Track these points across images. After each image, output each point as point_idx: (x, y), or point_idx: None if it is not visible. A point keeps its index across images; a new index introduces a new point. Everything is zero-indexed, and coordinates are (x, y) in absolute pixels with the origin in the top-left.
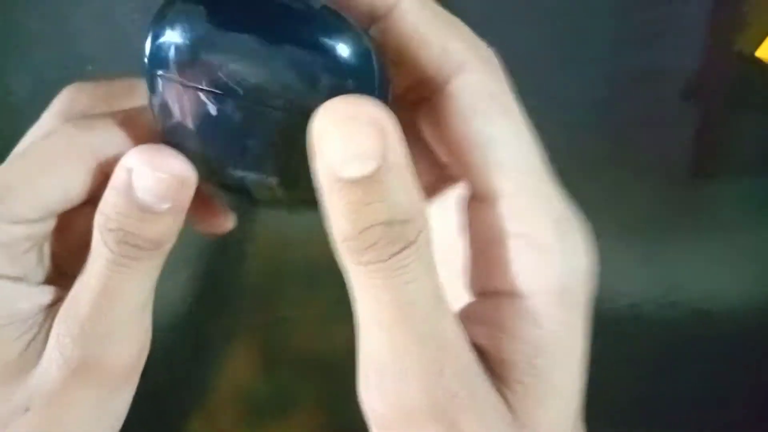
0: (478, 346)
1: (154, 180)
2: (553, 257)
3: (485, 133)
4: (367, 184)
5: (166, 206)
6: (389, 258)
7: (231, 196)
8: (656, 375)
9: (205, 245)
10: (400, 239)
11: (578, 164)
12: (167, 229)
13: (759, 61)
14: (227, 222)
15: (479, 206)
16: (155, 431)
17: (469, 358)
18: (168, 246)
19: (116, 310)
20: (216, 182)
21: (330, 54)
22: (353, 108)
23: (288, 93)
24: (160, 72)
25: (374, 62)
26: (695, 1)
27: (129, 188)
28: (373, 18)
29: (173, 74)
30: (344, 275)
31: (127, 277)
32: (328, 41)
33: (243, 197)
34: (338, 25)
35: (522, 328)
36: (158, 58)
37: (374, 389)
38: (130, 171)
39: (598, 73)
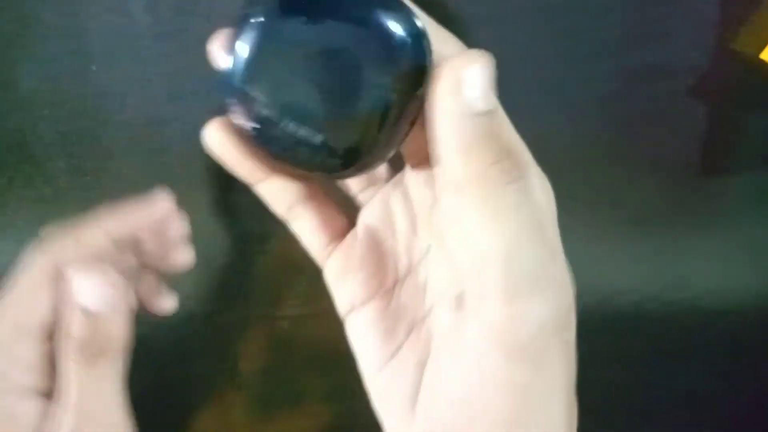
0: None
1: (92, 288)
2: None
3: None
4: (499, 114)
5: (106, 309)
6: (526, 175)
7: (278, 161)
8: (659, 373)
9: (220, 241)
10: (526, 163)
11: (584, 160)
12: (117, 329)
13: (765, 63)
14: (168, 303)
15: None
16: (166, 425)
17: None
18: (123, 345)
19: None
20: (270, 140)
21: (390, 32)
22: (475, 56)
23: (352, 64)
24: (251, 20)
25: (425, 38)
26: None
27: (74, 299)
28: None
29: (259, 21)
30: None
31: (95, 381)
32: (390, 22)
33: (288, 159)
34: (406, 18)
35: None
36: (257, 10)
37: (525, 303)
38: (73, 284)
39: (605, 69)
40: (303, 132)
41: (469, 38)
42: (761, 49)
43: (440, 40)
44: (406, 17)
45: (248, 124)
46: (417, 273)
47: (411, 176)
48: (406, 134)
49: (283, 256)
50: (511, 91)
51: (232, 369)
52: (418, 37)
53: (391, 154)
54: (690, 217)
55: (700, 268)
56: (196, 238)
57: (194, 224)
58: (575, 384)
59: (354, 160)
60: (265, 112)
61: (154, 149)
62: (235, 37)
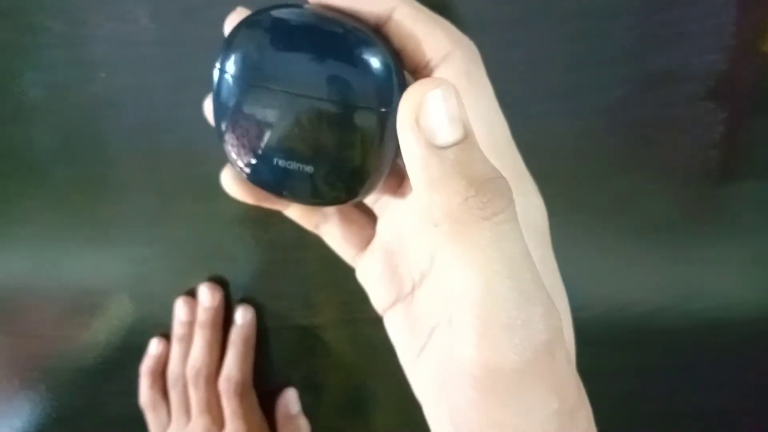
0: None
1: None
2: (516, 198)
3: None
4: (469, 143)
5: None
6: (506, 208)
7: (278, 195)
8: (669, 385)
9: (256, 249)
10: (507, 191)
11: (598, 166)
12: None
13: None
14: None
15: None
16: None
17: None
18: None
19: None
20: (262, 176)
21: (362, 65)
22: (432, 85)
23: (326, 94)
24: (226, 73)
25: (393, 70)
26: (720, 1)
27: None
28: (378, 25)
29: (237, 75)
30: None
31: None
32: (361, 56)
33: (284, 192)
34: (367, 42)
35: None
36: (227, 64)
37: (498, 339)
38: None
39: (618, 73)
40: (293, 165)
41: (480, 43)
42: None
43: (431, 33)
44: (377, 53)
45: (241, 166)
46: (429, 279)
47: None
48: (393, 159)
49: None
50: (522, 96)
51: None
52: (388, 69)
53: (380, 180)
54: (704, 226)
55: (713, 279)
56: (207, 246)
57: (203, 232)
58: (573, 406)
59: (342, 187)
60: (252, 153)
61: (156, 157)
62: (216, 86)
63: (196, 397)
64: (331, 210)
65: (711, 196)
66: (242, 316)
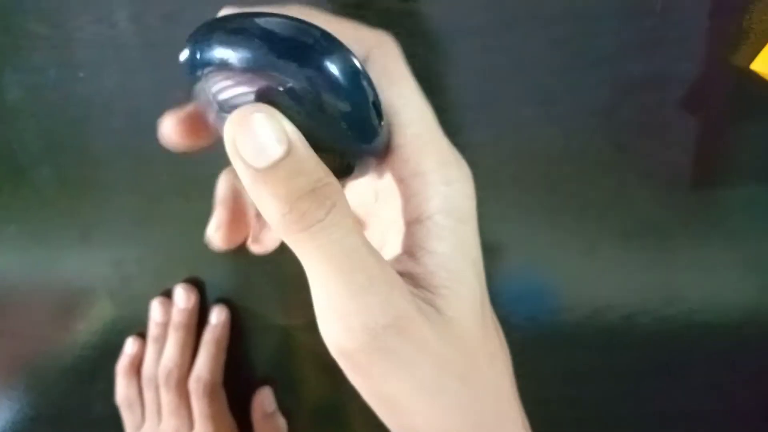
0: (409, 273)
1: None
2: (439, 187)
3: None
4: (285, 163)
5: None
6: (325, 217)
7: None
8: (651, 388)
9: (235, 250)
10: (326, 200)
11: (577, 171)
12: None
13: (756, 74)
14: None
15: (388, 159)
16: None
17: (404, 284)
18: None
19: None
20: None
21: (327, 70)
22: (246, 114)
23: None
24: (198, 72)
25: (360, 72)
26: (693, 10)
27: None
28: None
29: (210, 72)
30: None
31: None
32: (327, 62)
33: None
34: (333, 48)
35: (432, 243)
36: (197, 62)
37: (339, 326)
38: None
39: (596, 80)
40: None
41: (462, 48)
42: (752, 59)
43: (352, 34)
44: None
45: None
46: None
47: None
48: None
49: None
50: (504, 100)
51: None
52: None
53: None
54: (682, 230)
55: (692, 281)
56: (191, 248)
57: (184, 234)
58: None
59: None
60: None
61: (140, 158)
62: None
63: (166, 398)
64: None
65: (690, 201)
66: (216, 316)
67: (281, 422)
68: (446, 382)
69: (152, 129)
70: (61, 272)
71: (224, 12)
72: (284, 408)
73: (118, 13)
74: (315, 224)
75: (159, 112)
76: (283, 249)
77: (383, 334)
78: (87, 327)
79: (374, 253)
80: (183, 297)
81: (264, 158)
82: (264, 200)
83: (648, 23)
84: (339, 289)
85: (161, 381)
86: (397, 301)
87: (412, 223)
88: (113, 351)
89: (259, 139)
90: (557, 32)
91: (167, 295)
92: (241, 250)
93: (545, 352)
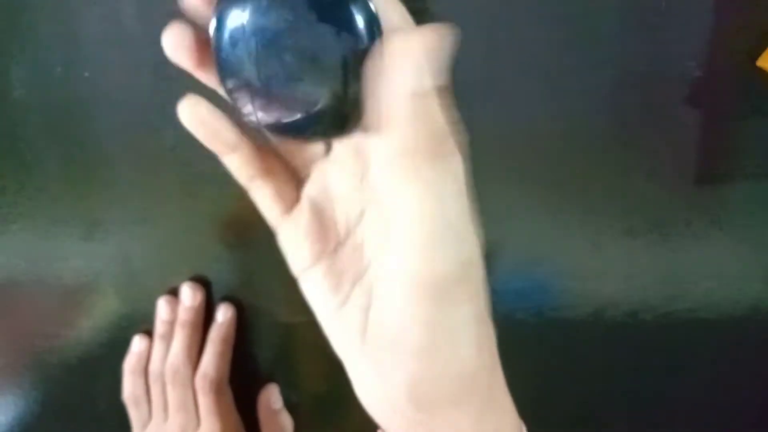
0: None
1: None
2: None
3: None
4: (442, 91)
5: None
6: (455, 149)
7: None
8: (655, 384)
9: (241, 247)
10: (451, 143)
11: (582, 168)
12: None
13: (761, 70)
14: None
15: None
16: None
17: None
18: None
19: None
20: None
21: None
22: (431, 31)
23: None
24: (227, 17)
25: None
26: (698, 7)
27: None
28: None
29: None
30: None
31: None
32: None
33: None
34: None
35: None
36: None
37: (440, 252)
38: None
39: (599, 77)
40: (291, 99)
41: (466, 46)
42: (756, 56)
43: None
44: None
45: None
46: (355, 234)
47: (342, 150)
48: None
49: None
50: (504, 99)
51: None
52: (371, 18)
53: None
54: (685, 226)
55: (695, 278)
56: (197, 245)
57: (189, 231)
58: (487, 329)
59: (337, 120)
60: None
61: (146, 155)
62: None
63: (173, 396)
64: (267, 166)
65: (694, 197)
66: (222, 313)
67: (287, 419)
68: None
69: (158, 126)
70: (66, 268)
71: None
72: (290, 405)
73: (124, 11)
74: (445, 156)
75: (166, 109)
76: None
77: (468, 265)
78: (92, 323)
79: None
80: (189, 295)
81: (437, 79)
82: (423, 118)
83: (653, 21)
84: (452, 215)
85: (168, 378)
86: (476, 241)
87: None
88: (119, 347)
89: (434, 61)
90: (562, 30)
91: (174, 293)
92: (247, 248)
93: (549, 349)
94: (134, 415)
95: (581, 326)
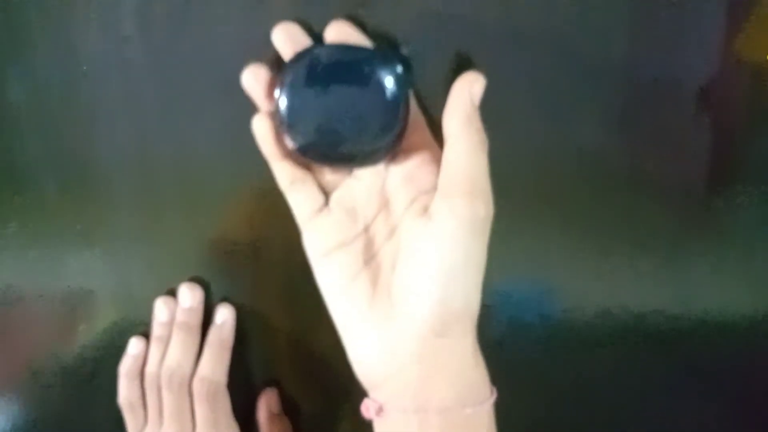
0: None
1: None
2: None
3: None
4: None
5: None
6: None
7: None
8: (661, 391)
9: (239, 251)
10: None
11: (587, 178)
12: None
13: None
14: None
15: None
16: None
17: None
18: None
19: None
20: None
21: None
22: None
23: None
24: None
25: (405, 88)
26: (708, 12)
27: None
28: None
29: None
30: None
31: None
32: (382, 80)
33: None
34: (389, 67)
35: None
36: (287, 80)
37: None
38: None
39: (609, 86)
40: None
41: (473, 55)
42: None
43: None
44: (392, 67)
45: (292, 137)
46: (370, 229)
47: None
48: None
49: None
50: (514, 108)
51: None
52: (399, 78)
53: (396, 146)
54: (694, 235)
55: (704, 287)
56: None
57: (188, 238)
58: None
59: (364, 158)
60: (303, 128)
61: (143, 160)
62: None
63: (168, 401)
64: (302, 175)
65: (702, 207)
66: (221, 316)
67: (286, 424)
68: None
69: (156, 131)
70: (62, 274)
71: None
72: (288, 410)
73: (123, 14)
74: (477, 221)
75: (163, 117)
76: (287, 251)
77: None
78: (88, 329)
79: None
80: (188, 296)
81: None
82: (471, 120)
83: (661, 28)
84: (460, 276)
85: (163, 382)
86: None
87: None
88: (114, 353)
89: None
90: (570, 36)
91: (171, 294)
92: (244, 252)
93: (555, 356)
94: (129, 420)
95: (587, 330)
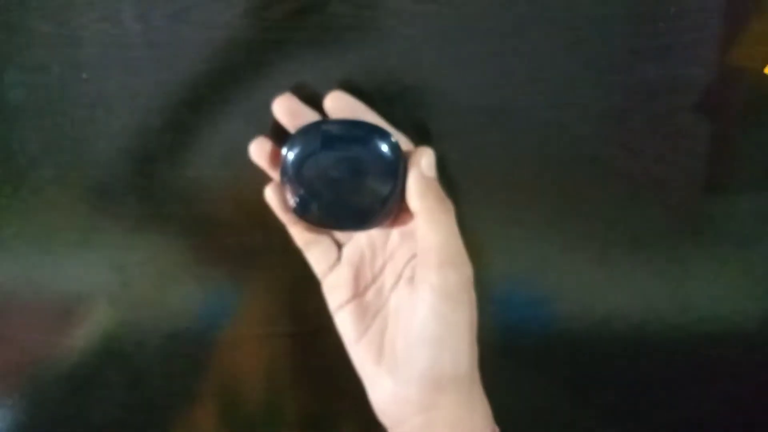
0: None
1: None
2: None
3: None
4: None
5: None
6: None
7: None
8: (659, 397)
9: (237, 256)
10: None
11: (584, 178)
12: None
13: None
14: None
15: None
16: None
17: None
18: None
19: None
20: (308, 211)
21: (381, 159)
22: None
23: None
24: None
25: (401, 158)
26: (707, 14)
27: None
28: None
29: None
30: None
31: None
32: (380, 151)
33: (321, 220)
34: (386, 142)
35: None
36: (290, 161)
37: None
38: None
39: (606, 85)
40: (332, 204)
41: (470, 52)
42: (766, 64)
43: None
44: (388, 139)
45: (295, 204)
46: (378, 280)
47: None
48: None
49: (276, 273)
50: (513, 104)
51: (223, 387)
52: (395, 148)
53: (390, 215)
54: (693, 237)
55: (703, 290)
56: (192, 253)
57: (187, 239)
58: (476, 324)
59: (363, 223)
60: (303, 195)
61: (141, 161)
62: (289, 148)
63: None
64: (317, 236)
65: (699, 208)
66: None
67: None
68: None
69: (156, 131)
70: (60, 276)
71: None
72: (289, 411)
73: (123, 12)
74: (460, 291)
75: (164, 113)
76: (288, 252)
77: (468, 284)
78: (86, 333)
79: None
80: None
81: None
82: (427, 191)
83: (661, 27)
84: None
85: None
86: (470, 265)
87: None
88: (112, 357)
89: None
90: (570, 36)
91: (171, 295)
92: (245, 253)
93: (554, 359)
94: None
95: (583, 337)
